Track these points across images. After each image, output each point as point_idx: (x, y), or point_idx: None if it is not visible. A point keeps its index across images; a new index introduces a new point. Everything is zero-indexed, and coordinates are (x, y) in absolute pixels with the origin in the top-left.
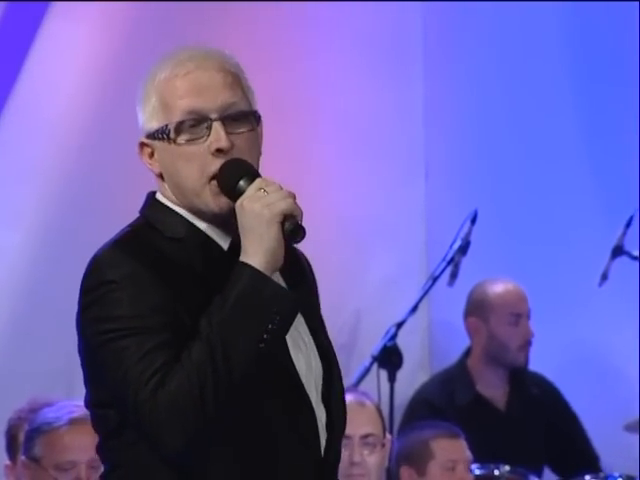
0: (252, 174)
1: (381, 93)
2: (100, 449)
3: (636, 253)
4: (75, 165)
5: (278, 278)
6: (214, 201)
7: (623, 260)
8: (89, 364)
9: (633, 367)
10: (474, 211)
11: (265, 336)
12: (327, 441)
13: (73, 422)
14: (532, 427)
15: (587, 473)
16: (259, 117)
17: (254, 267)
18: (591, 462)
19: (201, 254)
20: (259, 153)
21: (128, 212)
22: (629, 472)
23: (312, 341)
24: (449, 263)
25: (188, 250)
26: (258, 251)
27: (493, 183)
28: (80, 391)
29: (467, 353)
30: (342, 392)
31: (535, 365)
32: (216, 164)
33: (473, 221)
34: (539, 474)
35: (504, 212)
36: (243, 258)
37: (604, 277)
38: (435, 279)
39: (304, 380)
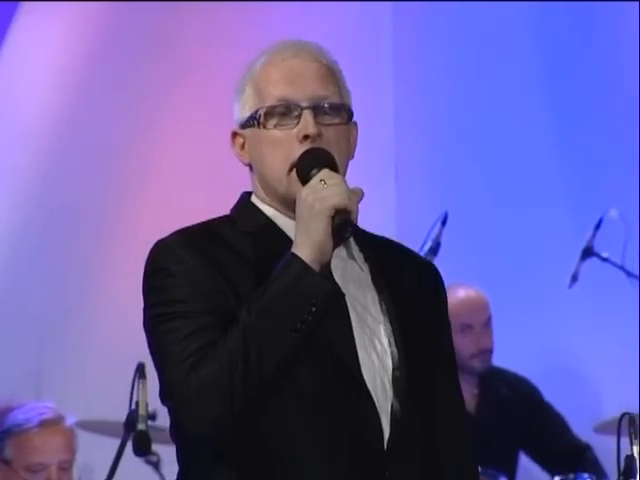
0: (326, 165)
1: (351, 94)
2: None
3: (606, 255)
4: (48, 164)
5: (349, 268)
6: (292, 189)
7: (593, 262)
8: (152, 354)
9: (602, 368)
10: (444, 213)
11: (299, 326)
12: (391, 435)
13: (43, 424)
14: (503, 429)
15: (580, 466)
16: (351, 114)
17: (299, 258)
18: (581, 453)
19: (270, 248)
20: (349, 150)
21: (101, 211)
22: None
23: (393, 346)
24: None
25: (258, 244)
26: (305, 243)
27: (463, 185)
28: (49, 392)
29: None
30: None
31: (503, 366)
32: (301, 151)
33: (444, 223)
34: (512, 476)
35: (475, 214)
36: (292, 248)
37: (574, 278)
38: None
39: (370, 376)
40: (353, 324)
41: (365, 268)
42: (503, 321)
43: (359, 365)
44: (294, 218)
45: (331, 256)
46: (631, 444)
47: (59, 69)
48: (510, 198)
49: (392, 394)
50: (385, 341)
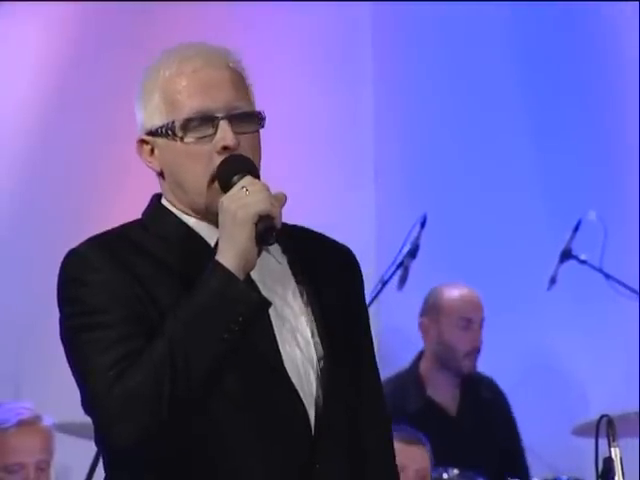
0: (247, 171)
1: (330, 95)
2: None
3: (584, 257)
4: (27, 166)
5: (275, 266)
6: (214, 200)
7: (571, 264)
8: (71, 366)
9: (581, 370)
10: (423, 215)
11: (226, 335)
12: (317, 425)
13: (21, 424)
14: (483, 431)
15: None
16: (263, 118)
17: (224, 267)
18: (517, 473)
19: (186, 252)
20: (260, 156)
21: (81, 212)
22: (578, 476)
23: (316, 337)
24: (399, 267)
25: (172, 248)
26: (230, 251)
27: (442, 187)
28: (28, 394)
29: (420, 356)
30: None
31: (483, 369)
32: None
33: (422, 225)
34: (494, 478)
35: (453, 216)
36: (217, 257)
37: (552, 281)
38: (385, 283)
39: (294, 369)
40: (273, 320)
41: (283, 260)
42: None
43: (281, 360)
44: (209, 221)
45: (255, 263)
46: (609, 446)
47: (40, 69)
48: (488, 201)
49: (317, 384)
50: (308, 333)
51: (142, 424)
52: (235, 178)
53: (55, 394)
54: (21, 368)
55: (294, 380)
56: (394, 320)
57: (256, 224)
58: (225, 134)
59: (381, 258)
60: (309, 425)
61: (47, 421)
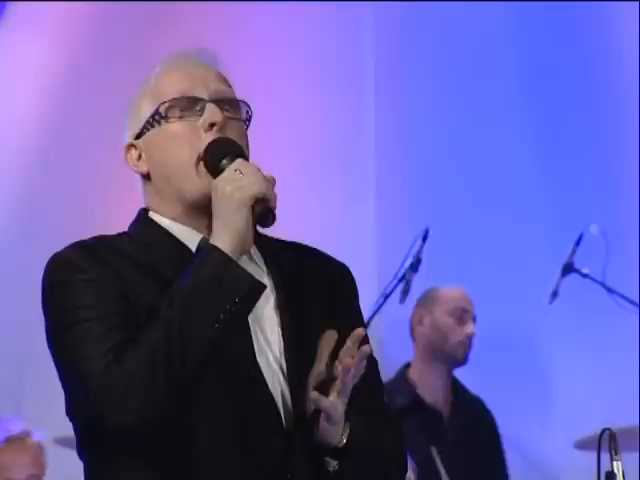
0: (236, 154)
1: (331, 108)
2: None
3: (586, 271)
4: (32, 169)
5: (259, 262)
6: (200, 182)
7: (573, 277)
8: (61, 365)
9: (583, 384)
10: (426, 229)
11: (222, 316)
12: (288, 423)
13: (10, 440)
14: (474, 438)
15: None
16: (250, 116)
17: (220, 250)
18: None
19: (166, 257)
20: (248, 149)
21: (76, 226)
22: None
23: (288, 351)
24: (400, 280)
25: (153, 252)
26: (225, 233)
27: (444, 200)
28: (29, 408)
29: (407, 366)
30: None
31: (483, 383)
32: (207, 141)
33: (424, 239)
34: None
35: (455, 229)
36: (211, 240)
37: (554, 294)
38: (387, 296)
39: (269, 375)
40: (251, 326)
41: (265, 271)
42: (483, 337)
43: (260, 370)
44: (191, 225)
45: (251, 245)
46: (611, 460)
47: (45, 70)
48: (491, 214)
49: (287, 390)
50: (281, 346)
51: (139, 404)
52: (224, 161)
53: (56, 408)
54: (22, 382)
55: (270, 386)
56: (396, 333)
57: (253, 206)
58: (213, 112)
59: (383, 271)
60: (286, 436)
61: (37, 436)
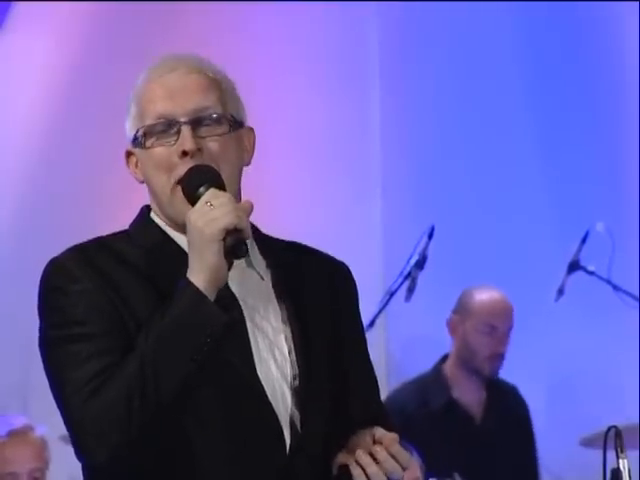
0: (212, 182)
1: (337, 108)
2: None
3: (592, 268)
4: (36, 168)
5: (250, 277)
6: (181, 208)
7: (579, 275)
8: (48, 376)
9: (588, 381)
10: (431, 226)
11: (195, 355)
12: (292, 443)
13: (12, 434)
14: (506, 440)
15: None
16: (239, 122)
17: (194, 285)
18: None
19: (164, 263)
20: (241, 158)
21: (80, 228)
22: None
23: (293, 355)
24: (406, 278)
25: (152, 258)
26: (199, 269)
27: (450, 198)
28: (35, 405)
29: (444, 359)
30: (320, 401)
31: None
32: (183, 168)
33: (430, 236)
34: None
35: (461, 228)
36: (188, 273)
37: (560, 292)
38: (392, 294)
39: (270, 386)
40: (250, 336)
41: (267, 276)
42: None
43: (258, 376)
44: (181, 230)
45: (227, 278)
46: (617, 458)
47: (49, 69)
48: (496, 212)
49: (291, 403)
50: (285, 350)
51: (113, 441)
52: (201, 189)
53: None
54: (28, 379)
55: (270, 398)
56: (401, 331)
57: (224, 239)
58: (184, 139)
59: (388, 269)
60: (284, 443)
61: (40, 430)
